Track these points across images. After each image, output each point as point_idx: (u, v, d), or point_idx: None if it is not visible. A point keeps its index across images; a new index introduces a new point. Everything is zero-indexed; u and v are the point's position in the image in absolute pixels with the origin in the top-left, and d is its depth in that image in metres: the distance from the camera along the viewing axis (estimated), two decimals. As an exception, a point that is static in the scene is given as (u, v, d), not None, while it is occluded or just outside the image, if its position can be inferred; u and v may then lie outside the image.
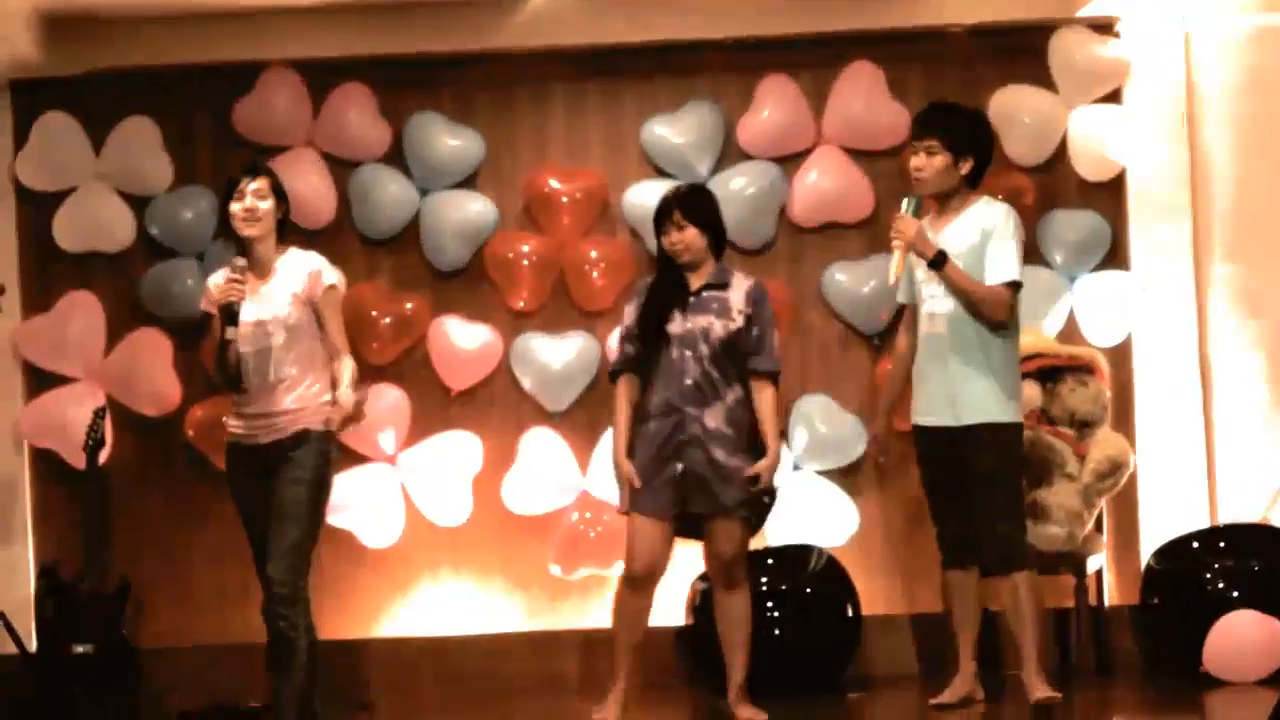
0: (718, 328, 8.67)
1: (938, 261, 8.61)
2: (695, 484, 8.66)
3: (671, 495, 8.68)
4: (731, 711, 8.81)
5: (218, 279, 8.21)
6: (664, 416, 8.71)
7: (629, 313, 8.90)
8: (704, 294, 8.76)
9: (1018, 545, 8.77)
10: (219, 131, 10.50)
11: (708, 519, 8.74)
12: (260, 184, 8.17)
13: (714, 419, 8.64)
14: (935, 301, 8.74)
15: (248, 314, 8.09)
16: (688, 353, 8.67)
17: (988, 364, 8.72)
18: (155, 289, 10.52)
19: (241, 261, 8.13)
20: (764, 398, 8.75)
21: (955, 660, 9.05)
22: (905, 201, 8.74)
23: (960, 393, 8.69)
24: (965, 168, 8.78)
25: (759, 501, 8.74)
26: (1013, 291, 8.72)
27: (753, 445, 8.73)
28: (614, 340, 9.40)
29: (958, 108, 9.03)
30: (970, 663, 8.96)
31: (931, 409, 8.78)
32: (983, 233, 8.73)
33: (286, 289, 8.18)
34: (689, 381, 8.66)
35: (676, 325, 8.72)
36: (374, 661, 10.69)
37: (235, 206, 8.14)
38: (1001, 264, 8.67)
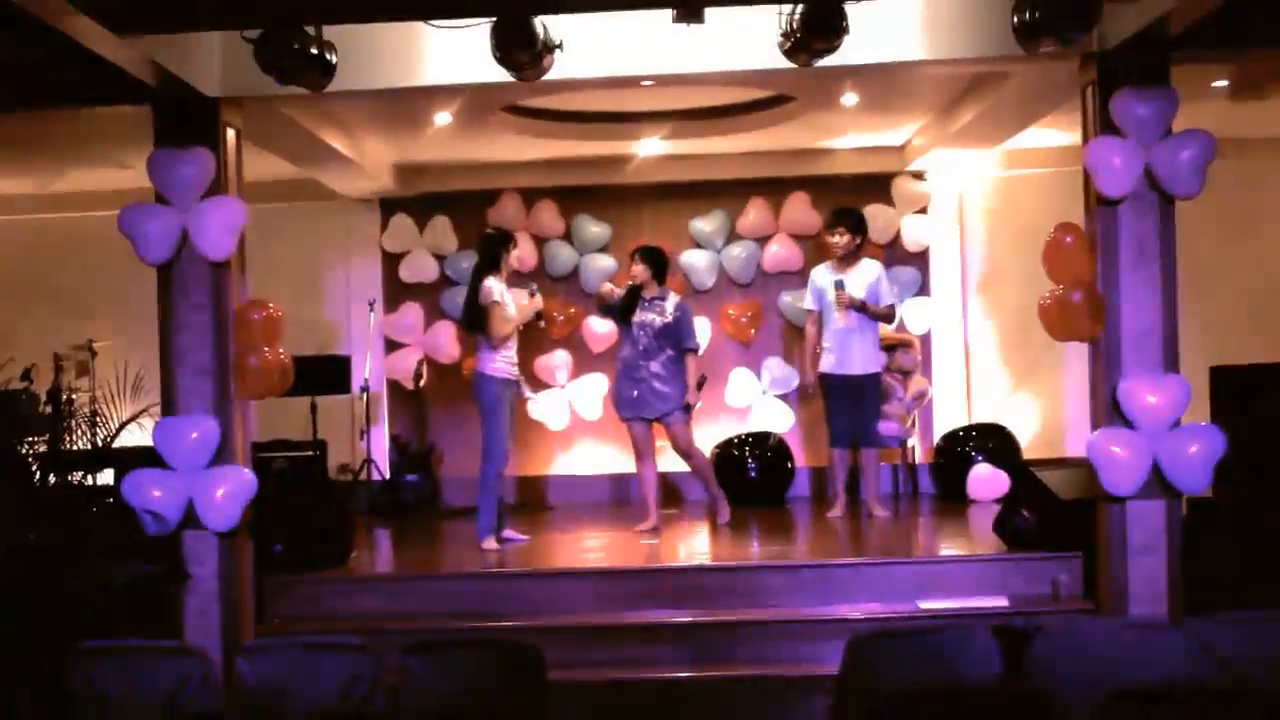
0: (656, 321, 8.45)
1: (860, 306, 8.59)
2: (644, 401, 8.47)
3: (637, 407, 8.48)
4: (719, 520, 8.73)
5: (498, 284, 7.89)
6: (629, 363, 8.51)
7: (617, 294, 8.56)
8: (653, 301, 8.52)
9: (877, 433, 8.90)
10: (480, 223, 10.21)
11: (660, 422, 8.48)
12: None
13: (656, 366, 8.45)
14: (845, 315, 8.64)
15: (514, 307, 7.99)
16: (641, 332, 8.47)
17: (873, 344, 8.80)
18: (449, 302, 10.55)
19: (535, 286, 8.19)
20: (690, 362, 8.48)
21: (836, 493, 9.01)
22: (836, 282, 8.64)
23: (859, 357, 8.70)
24: (856, 242, 8.77)
25: (686, 408, 8.45)
26: (893, 309, 8.84)
27: (677, 383, 8.43)
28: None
29: (853, 210, 8.98)
30: (844, 494, 8.97)
31: (843, 365, 8.70)
32: (874, 278, 8.71)
33: (518, 296, 8.11)
34: (641, 346, 8.47)
35: (638, 315, 8.49)
36: (551, 485, 10.74)
37: (515, 252, 8.06)
38: (889, 296, 8.77)
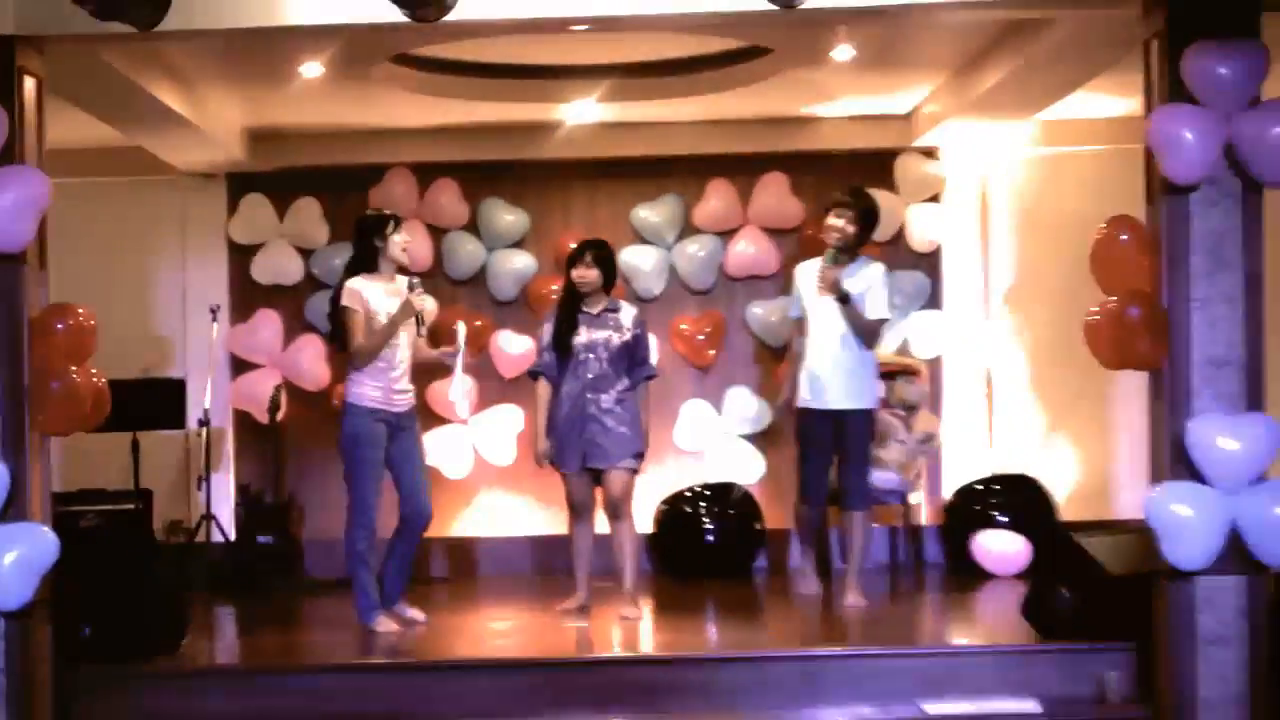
0: (614, 340, 8.40)
1: (845, 299, 8.40)
2: (593, 445, 8.36)
3: (581, 454, 8.37)
4: (622, 611, 8.40)
5: (360, 285, 8.02)
6: (573, 399, 8.40)
7: (546, 330, 8.51)
8: (604, 314, 8.46)
9: (868, 490, 8.81)
10: (359, 208, 9.59)
11: (604, 470, 8.38)
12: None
13: (608, 400, 8.36)
14: (831, 324, 8.51)
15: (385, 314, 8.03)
16: (591, 355, 8.38)
17: (866, 369, 8.61)
18: (315, 309, 10.54)
19: (417, 280, 8.15)
20: (645, 391, 8.52)
21: (804, 564, 9.08)
22: (827, 255, 8.47)
23: (848, 388, 8.53)
24: (858, 235, 8.57)
25: (638, 456, 8.41)
26: (882, 325, 8.68)
27: (635, 421, 8.42)
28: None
29: (868, 195, 8.79)
30: (814, 564, 9.07)
31: (823, 396, 8.53)
32: (874, 283, 8.53)
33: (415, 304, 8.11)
34: (592, 375, 8.36)
35: (584, 334, 8.39)
36: (449, 551, 10.70)
37: (398, 239, 8.11)
38: (879, 307, 8.55)
